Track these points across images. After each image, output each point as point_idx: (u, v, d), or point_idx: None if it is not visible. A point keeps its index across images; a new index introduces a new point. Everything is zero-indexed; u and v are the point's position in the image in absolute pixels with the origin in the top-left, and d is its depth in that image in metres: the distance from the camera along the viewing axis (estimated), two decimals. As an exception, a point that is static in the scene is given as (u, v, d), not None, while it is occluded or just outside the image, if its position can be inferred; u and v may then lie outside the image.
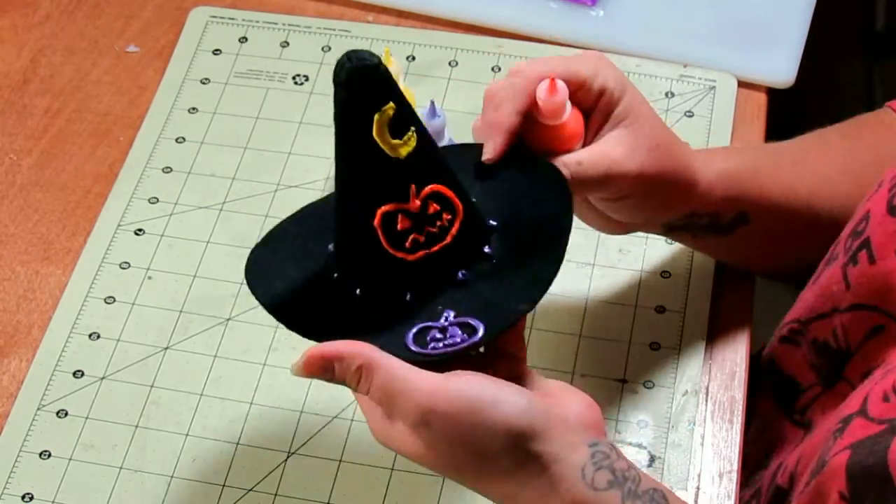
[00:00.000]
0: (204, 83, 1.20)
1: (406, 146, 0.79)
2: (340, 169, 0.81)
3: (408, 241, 0.81)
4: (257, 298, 0.85)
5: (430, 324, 0.81)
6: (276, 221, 1.09)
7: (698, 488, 0.94)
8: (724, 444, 0.96)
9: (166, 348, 1.02)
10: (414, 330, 0.80)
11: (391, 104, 0.78)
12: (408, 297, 0.82)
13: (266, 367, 1.01)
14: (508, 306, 0.81)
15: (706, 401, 0.99)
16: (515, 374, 0.81)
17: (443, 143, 1.03)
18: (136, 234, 1.09)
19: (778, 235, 0.98)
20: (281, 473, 0.95)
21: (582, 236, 1.08)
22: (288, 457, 0.96)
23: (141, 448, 0.97)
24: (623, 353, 1.01)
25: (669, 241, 1.07)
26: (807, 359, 0.94)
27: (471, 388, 0.76)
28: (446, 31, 1.24)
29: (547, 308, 1.03)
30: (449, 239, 0.82)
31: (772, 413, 0.99)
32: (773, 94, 1.19)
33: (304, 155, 1.15)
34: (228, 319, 1.03)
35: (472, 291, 0.82)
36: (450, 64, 1.21)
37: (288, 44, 1.23)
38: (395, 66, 1.06)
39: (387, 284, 0.82)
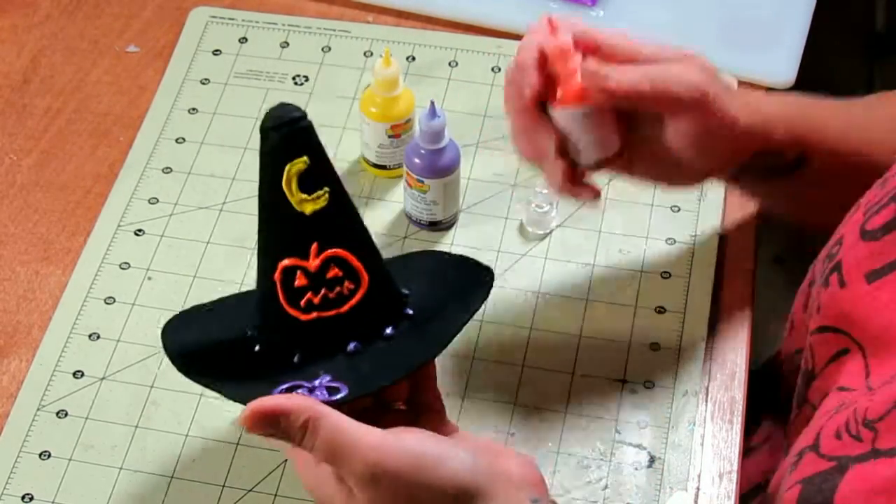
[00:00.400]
0: (204, 83, 1.20)
1: (314, 203, 0.81)
2: (259, 218, 0.83)
3: (303, 300, 0.82)
4: (164, 348, 0.88)
5: (302, 383, 0.81)
6: (276, 222, 1.10)
7: (698, 488, 0.94)
8: (724, 445, 0.96)
9: (166, 348, 1.02)
10: (284, 386, 0.81)
11: (304, 158, 0.80)
12: (296, 358, 0.83)
13: (266, 368, 1.01)
14: (376, 380, 0.81)
15: (706, 401, 0.99)
16: (441, 431, 0.81)
17: (443, 143, 1.03)
18: (136, 234, 1.09)
19: (836, 179, 0.97)
20: (281, 473, 0.95)
21: (582, 237, 1.08)
22: (288, 457, 0.96)
23: (141, 448, 0.97)
24: (623, 354, 1.01)
25: (670, 241, 1.07)
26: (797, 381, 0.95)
27: (417, 444, 0.76)
28: (446, 31, 1.24)
29: (547, 309, 1.03)
30: (345, 308, 0.83)
31: (777, 440, 0.99)
32: (773, 95, 1.19)
33: (304, 155, 1.14)
34: (228, 320, 1.03)
35: (354, 362, 0.83)
36: (450, 64, 1.21)
37: (288, 44, 1.23)
38: (394, 67, 1.07)
39: (280, 341, 0.84)
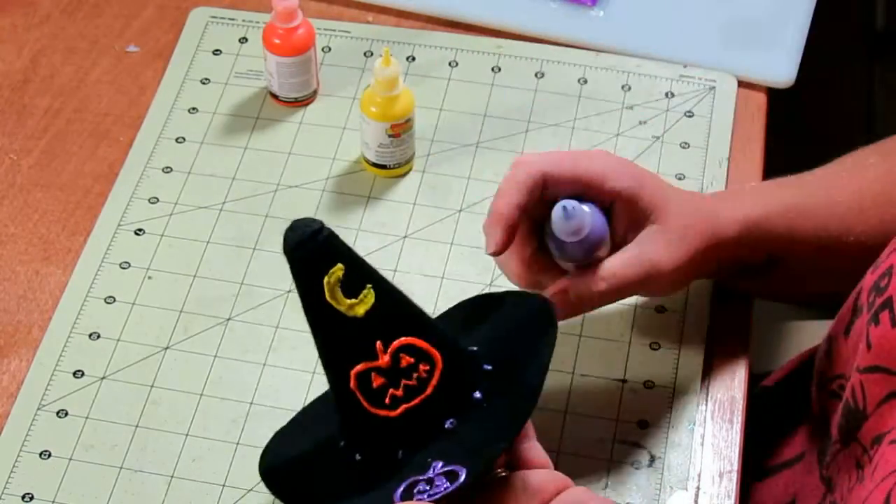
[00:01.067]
0: (204, 83, 1.20)
1: (363, 304, 0.81)
2: (314, 336, 0.83)
3: (387, 398, 0.82)
4: (262, 476, 0.89)
5: (417, 477, 0.81)
6: (276, 221, 1.10)
7: (698, 488, 0.94)
8: (725, 444, 0.96)
9: (166, 348, 1.02)
10: (402, 487, 0.81)
11: (339, 266, 0.80)
12: (399, 454, 0.83)
13: (266, 367, 1.01)
14: (488, 448, 0.81)
15: (706, 401, 0.99)
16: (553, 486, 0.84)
17: (599, 234, 0.92)
18: (136, 234, 1.09)
19: (809, 272, 0.99)
20: (281, 473, 0.95)
21: (582, 236, 1.08)
22: (288, 457, 0.96)
23: (141, 448, 0.97)
24: (623, 353, 1.01)
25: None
26: (839, 416, 0.94)
27: None
28: (446, 31, 1.24)
29: (547, 308, 1.03)
30: (429, 390, 0.83)
31: (810, 460, 0.98)
32: (773, 94, 1.19)
33: (304, 155, 1.15)
34: (228, 319, 1.03)
35: (459, 437, 0.83)
36: (450, 64, 1.21)
37: (288, 44, 1.23)
38: (394, 67, 1.07)
39: (378, 444, 0.84)
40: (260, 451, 0.94)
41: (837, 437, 0.92)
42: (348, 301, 0.81)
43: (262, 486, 0.93)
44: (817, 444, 0.98)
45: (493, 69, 1.20)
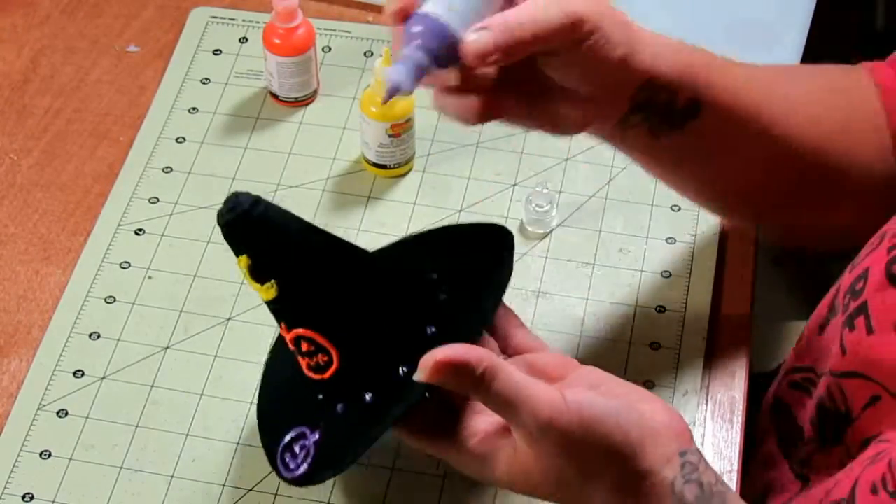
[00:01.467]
0: (204, 83, 1.20)
1: (265, 293, 0.83)
2: None
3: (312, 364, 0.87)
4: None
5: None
6: (277, 221, 1.09)
7: (698, 488, 0.94)
8: (725, 444, 0.96)
9: (166, 348, 1.02)
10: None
11: (243, 257, 0.82)
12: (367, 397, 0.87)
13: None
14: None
15: (706, 401, 0.99)
16: (554, 370, 0.84)
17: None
18: (136, 234, 1.09)
19: (728, 139, 0.92)
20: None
21: (582, 236, 1.08)
22: (288, 457, 0.96)
23: (141, 448, 0.97)
24: (623, 353, 1.01)
25: (670, 240, 1.07)
26: (810, 412, 0.94)
27: (585, 402, 0.77)
28: (446, 31, 1.24)
29: (547, 309, 1.03)
30: (327, 375, 0.86)
31: (774, 455, 0.98)
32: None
33: (304, 155, 1.15)
34: (228, 319, 1.03)
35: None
36: (450, 64, 1.21)
37: (288, 44, 1.23)
38: (395, 66, 1.07)
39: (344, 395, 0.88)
40: (260, 451, 0.94)
41: (813, 435, 0.92)
42: (255, 284, 0.83)
43: (263, 486, 0.94)
44: (774, 435, 0.98)
45: (493, 69, 1.20)
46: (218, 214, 0.82)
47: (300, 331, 0.85)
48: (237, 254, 0.83)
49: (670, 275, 1.05)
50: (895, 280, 0.84)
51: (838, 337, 0.88)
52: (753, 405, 1.01)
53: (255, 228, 0.82)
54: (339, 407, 0.87)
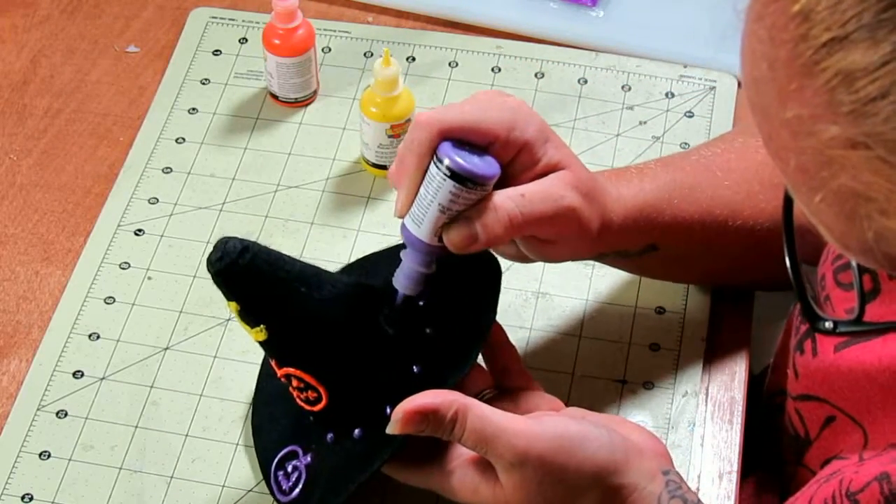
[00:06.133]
0: (204, 83, 1.20)
1: (256, 335, 0.85)
2: None
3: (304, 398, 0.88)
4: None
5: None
6: (276, 222, 1.10)
7: (698, 489, 0.94)
8: (724, 445, 0.96)
9: (166, 348, 1.02)
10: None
11: (233, 303, 0.84)
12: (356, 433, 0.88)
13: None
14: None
15: (706, 402, 0.99)
16: (544, 407, 0.86)
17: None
18: (136, 234, 1.09)
19: (690, 255, 0.96)
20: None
21: (582, 237, 1.08)
22: (288, 457, 0.96)
23: (141, 448, 0.97)
24: (623, 354, 1.01)
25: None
26: (785, 435, 0.95)
27: (559, 427, 0.79)
28: (446, 32, 1.24)
29: (547, 309, 1.03)
30: (317, 408, 0.87)
31: (769, 484, 0.99)
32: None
33: (304, 155, 1.15)
34: (228, 320, 1.03)
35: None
36: (450, 64, 1.21)
37: (288, 44, 1.23)
38: (394, 67, 1.07)
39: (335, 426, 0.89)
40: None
41: (787, 460, 0.93)
42: (246, 326, 0.85)
43: (262, 487, 0.94)
44: (762, 465, 0.99)
45: (493, 69, 1.20)
46: (208, 262, 0.83)
47: (290, 370, 0.86)
48: (227, 299, 0.84)
49: (670, 275, 1.05)
50: (841, 286, 0.85)
51: (792, 360, 0.89)
52: (753, 405, 1.02)
53: (242, 278, 0.83)
54: (329, 436, 0.88)
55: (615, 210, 0.89)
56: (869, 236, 0.56)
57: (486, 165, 0.82)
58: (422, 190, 0.83)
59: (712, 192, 0.94)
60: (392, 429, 0.81)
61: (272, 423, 0.93)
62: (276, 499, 0.89)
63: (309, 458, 0.88)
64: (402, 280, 0.85)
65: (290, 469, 0.89)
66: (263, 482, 0.94)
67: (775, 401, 0.99)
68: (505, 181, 0.84)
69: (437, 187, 0.82)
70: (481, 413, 0.79)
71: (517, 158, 0.84)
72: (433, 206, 0.82)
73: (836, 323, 0.71)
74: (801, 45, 0.54)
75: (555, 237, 0.86)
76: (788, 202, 0.70)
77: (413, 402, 0.80)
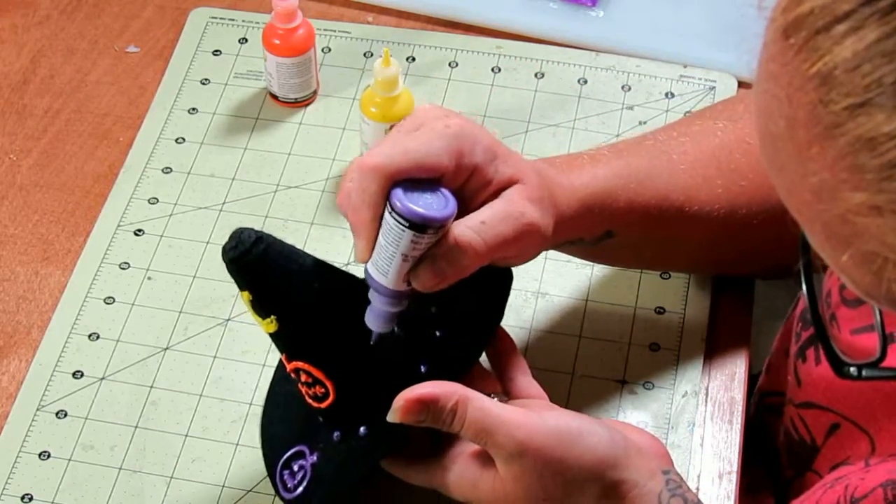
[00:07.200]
0: (204, 83, 1.20)
1: (267, 326, 0.85)
2: None
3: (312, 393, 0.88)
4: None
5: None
6: (276, 222, 1.10)
7: (698, 489, 0.94)
8: (724, 445, 0.96)
9: (166, 348, 1.02)
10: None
11: (245, 293, 0.84)
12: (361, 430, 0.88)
13: (266, 368, 1.01)
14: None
15: (706, 402, 0.99)
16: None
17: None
18: (136, 234, 1.09)
19: (648, 242, 0.95)
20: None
21: (582, 237, 1.08)
22: (287, 457, 0.96)
23: (141, 448, 0.97)
24: (623, 354, 1.01)
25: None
26: (782, 439, 0.95)
27: (559, 420, 0.80)
28: (446, 32, 1.24)
29: (547, 309, 1.03)
30: (325, 405, 0.87)
31: (762, 482, 0.99)
32: (773, 95, 1.19)
33: (303, 155, 1.15)
34: (228, 320, 1.03)
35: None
36: (450, 65, 1.21)
37: (288, 44, 1.23)
38: (394, 67, 1.07)
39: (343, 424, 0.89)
40: (260, 451, 0.94)
41: (788, 464, 0.93)
42: (258, 318, 0.85)
43: (263, 487, 0.94)
44: (755, 459, 0.99)
45: (493, 69, 1.20)
46: (222, 250, 0.83)
47: (299, 363, 0.86)
48: (240, 289, 0.84)
49: (670, 276, 1.05)
50: (847, 303, 0.84)
51: (793, 367, 0.89)
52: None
53: (255, 268, 0.83)
54: (336, 435, 0.88)
55: (568, 202, 0.87)
56: None
57: (441, 206, 0.80)
58: (381, 239, 0.81)
59: (668, 178, 0.92)
60: (392, 417, 0.81)
61: (282, 423, 0.93)
62: (280, 496, 0.89)
63: (315, 458, 0.88)
64: (375, 321, 0.85)
65: (296, 468, 0.89)
66: (263, 482, 0.94)
67: (766, 401, 0.99)
68: (460, 206, 0.82)
69: (396, 238, 0.80)
70: (481, 405, 0.79)
71: (468, 183, 0.83)
72: (396, 256, 0.81)
73: (859, 368, 0.69)
74: (819, 108, 0.52)
75: (518, 254, 0.85)
76: (806, 250, 0.67)
77: (414, 392, 0.80)
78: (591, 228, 0.90)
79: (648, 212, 0.91)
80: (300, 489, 0.88)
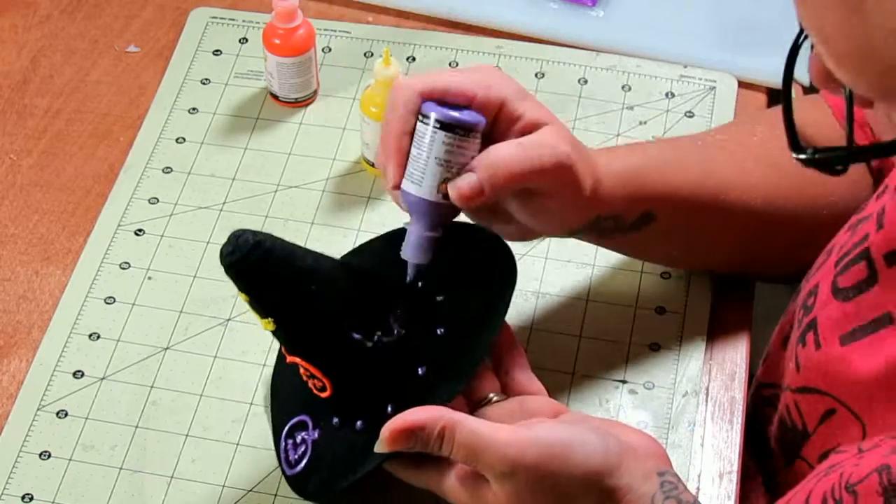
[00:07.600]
0: (204, 83, 1.20)
1: (265, 325, 0.86)
2: None
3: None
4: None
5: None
6: (276, 222, 1.10)
7: (698, 489, 0.94)
8: (724, 445, 0.96)
9: (166, 348, 1.02)
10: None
11: (243, 295, 0.85)
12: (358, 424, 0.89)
13: (266, 368, 1.01)
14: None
15: (706, 401, 0.99)
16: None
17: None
18: (136, 234, 1.09)
19: (687, 230, 0.96)
20: (281, 474, 0.95)
21: (582, 237, 1.08)
22: (288, 457, 0.96)
23: (141, 448, 0.97)
24: (623, 354, 1.01)
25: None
26: (774, 428, 0.95)
27: (549, 434, 0.79)
28: (446, 32, 1.24)
29: (547, 309, 1.03)
30: (324, 396, 0.88)
31: (749, 468, 0.99)
32: (774, 94, 1.19)
33: (304, 155, 1.15)
34: (228, 320, 1.03)
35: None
36: (450, 64, 1.21)
37: (288, 44, 1.23)
38: (394, 67, 1.07)
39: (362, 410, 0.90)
40: (259, 451, 0.94)
41: (779, 452, 0.93)
42: (257, 316, 0.86)
43: (263, 487, 0.94)
44: (749, 450, 0.99)
45: (493, 69, 1.20)
46: (220, 253, 0.84)
47: (297, 359, 0.87)
48: (239, 290, 0.85)
49: (670, 275, 1.05)
50: (839, 293, 0.85)
51: (794, 353, 0.89)
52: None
53: (252, 274, 0.84)
54: (335, 420, 0.88)
55: (605, 173, 0.90)
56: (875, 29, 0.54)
57: (471, 115, 0.85)
58: (413, 151, 0.84)
59: (705, 165, 0.95)
60: (379, 447, 0.81)
61: (290, 386, 0.93)
62: (282, 469, 0.90)
63: (316, 434, 0.89)
64: (411, 251, 0.86)
65: (298, 440, 0.90)
66: (263, 482, 0.94)
67: (762, 393, 0.99)
68: (490, 141, 0.85)
69: (429, 142, 0.83)
70: (469, 427, 0.79)
71: (498, 116, 0.86)
72: (430, 161, 0.83)
73: (815, 150, 0.70)
74: None
75: (552, 190, 0.86)
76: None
77: (399, 421, 0.80)
78: (629, 205, 0.92)
79: (685, 196, 0.93)
80: (301, 465, 0.88)
